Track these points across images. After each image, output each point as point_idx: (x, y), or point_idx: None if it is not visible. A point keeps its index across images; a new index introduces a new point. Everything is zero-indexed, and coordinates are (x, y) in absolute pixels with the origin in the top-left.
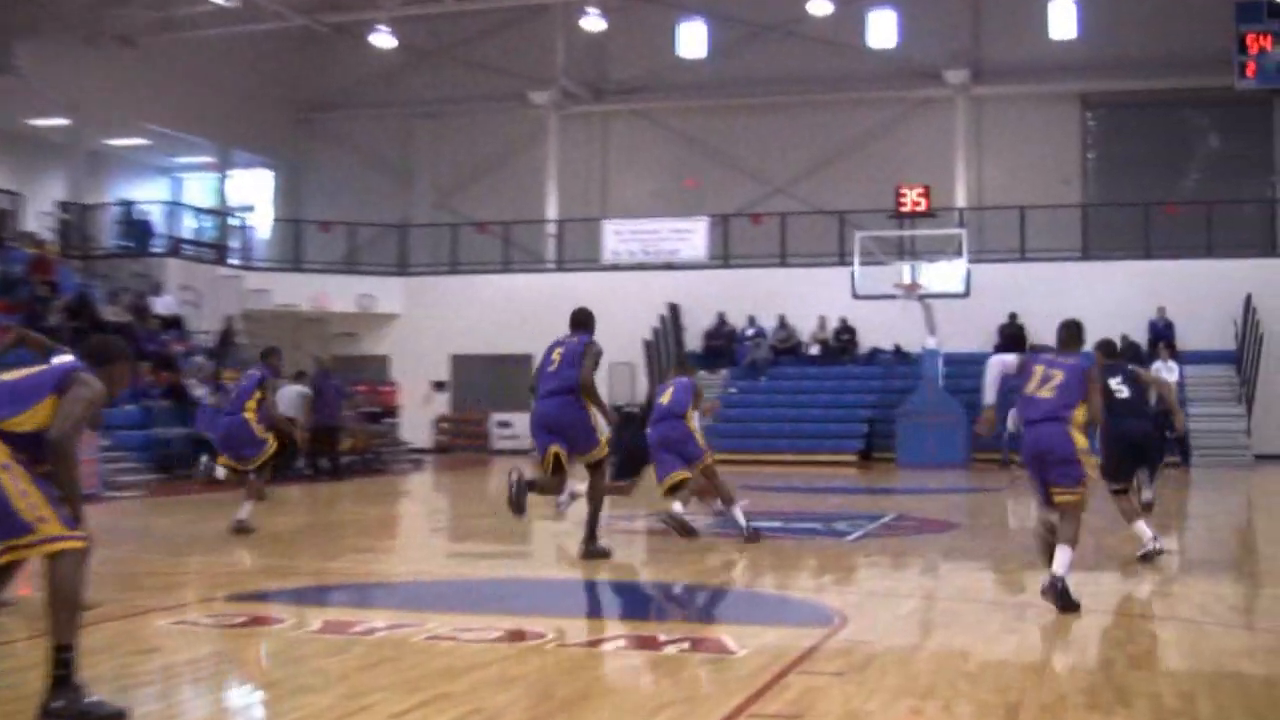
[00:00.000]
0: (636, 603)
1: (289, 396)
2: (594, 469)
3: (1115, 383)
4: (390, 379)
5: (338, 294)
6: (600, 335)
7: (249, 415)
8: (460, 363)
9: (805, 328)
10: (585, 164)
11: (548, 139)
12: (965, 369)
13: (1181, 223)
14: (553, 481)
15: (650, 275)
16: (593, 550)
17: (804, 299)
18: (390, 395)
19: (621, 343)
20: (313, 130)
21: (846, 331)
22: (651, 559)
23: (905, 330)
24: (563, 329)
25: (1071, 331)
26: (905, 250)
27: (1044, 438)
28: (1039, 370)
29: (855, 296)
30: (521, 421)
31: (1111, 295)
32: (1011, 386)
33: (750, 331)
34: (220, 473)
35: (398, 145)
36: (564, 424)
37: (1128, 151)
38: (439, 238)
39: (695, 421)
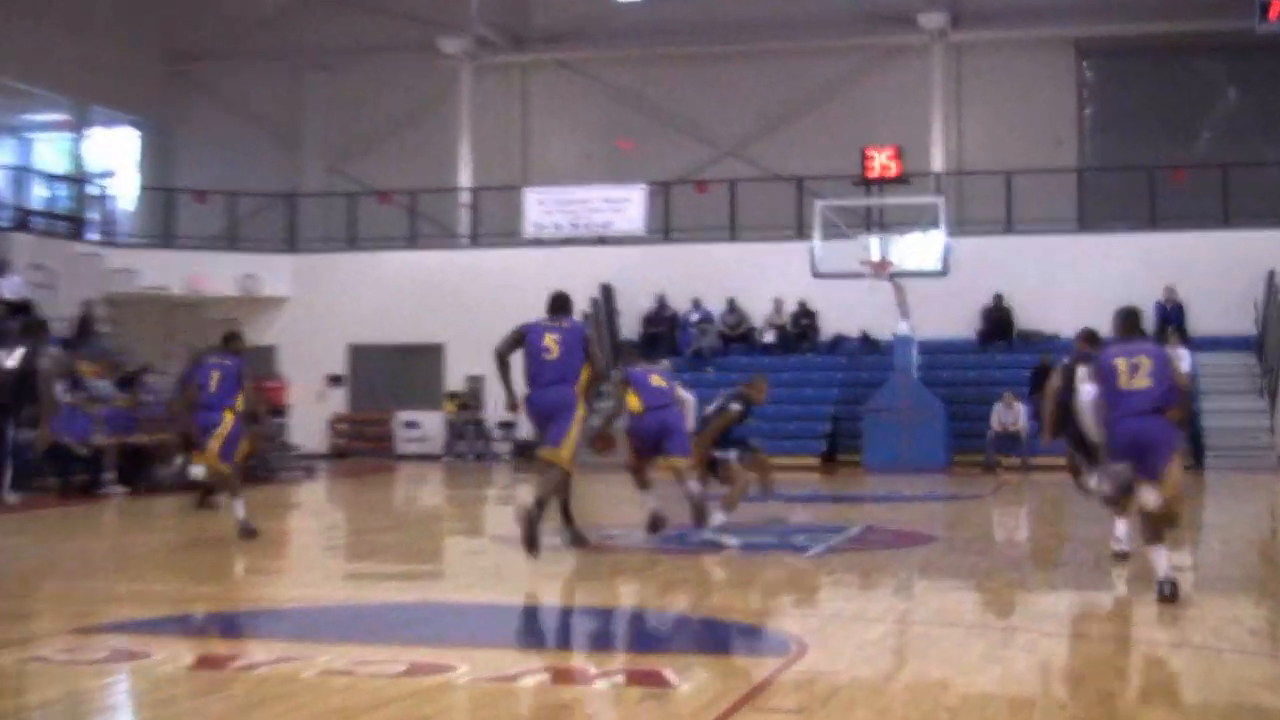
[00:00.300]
0: (563, 629)
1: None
2: (552, 464)
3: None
4: (278, 373)
5: (216, 274)
6: (521, 321)
7: (230, 414)
8: (359, 354)
9: (758, 311)
10: (504, 123)
11: (460, 95)
12: (942, 358)
13: (1192, 189)
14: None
15: (579, 252)
16: (575, 535)
17: (757, 278)
18: (278, 392)
19: None
20: (186, 84)
21: (806, 316)
22: (583, 577)
23: (874, 314)
24: (478, 313)
25: (1131, 319)
26: (873, 222)
27: (1152, 429)
28: (1121, 364)
29: (816, 275)
30: (432, 421)
31: (1112, 273)
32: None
33: (695, 316)
34: (198, 471)
35: (285, 102)
36: (557, 412)
37: (1130, 107)
38: (333, 209)
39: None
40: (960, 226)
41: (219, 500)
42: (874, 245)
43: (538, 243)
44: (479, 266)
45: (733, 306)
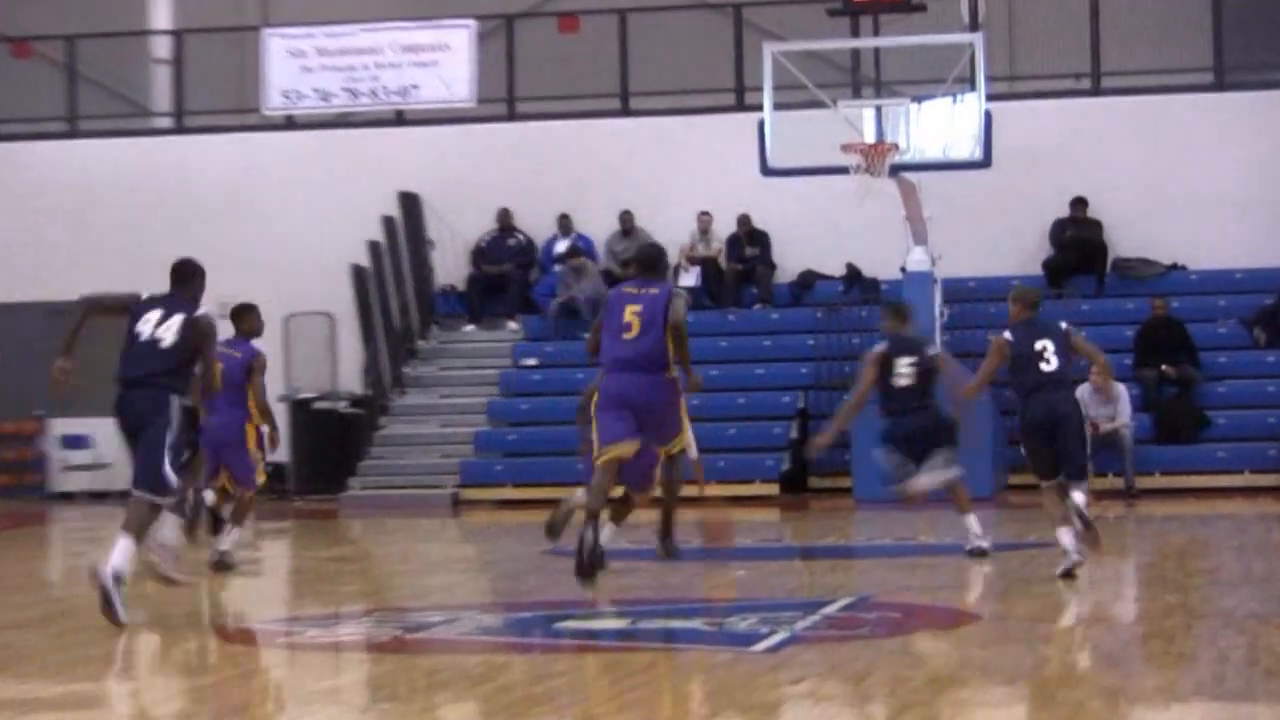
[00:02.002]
0: None
1: None
2: (672, 459)
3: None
4: None
5: None
6: (269, 258)
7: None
8: None
9: (671, 236)
10: None
11: None
12: (987, 311)
13: None
14: (619, 509)
15: (362, 139)
16: (671, 549)
17: (668, 179)
18: None
19: (305, 272)
20: None
21: (753, 242)
22: (380, 696)
23: (867, 237)
24: (191, 245)
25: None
26: (865, 81)
27: None
28: None
29: (769, 172)
30: (108, 432)
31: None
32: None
33: (561, 246)
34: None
35: None
36: (655, 410)
37: None
38: None
39: None
40: (1013, 85)
41: None
42: (866, 119)
43: (289, 125)
44: (190, 167)
45: (628, 228)
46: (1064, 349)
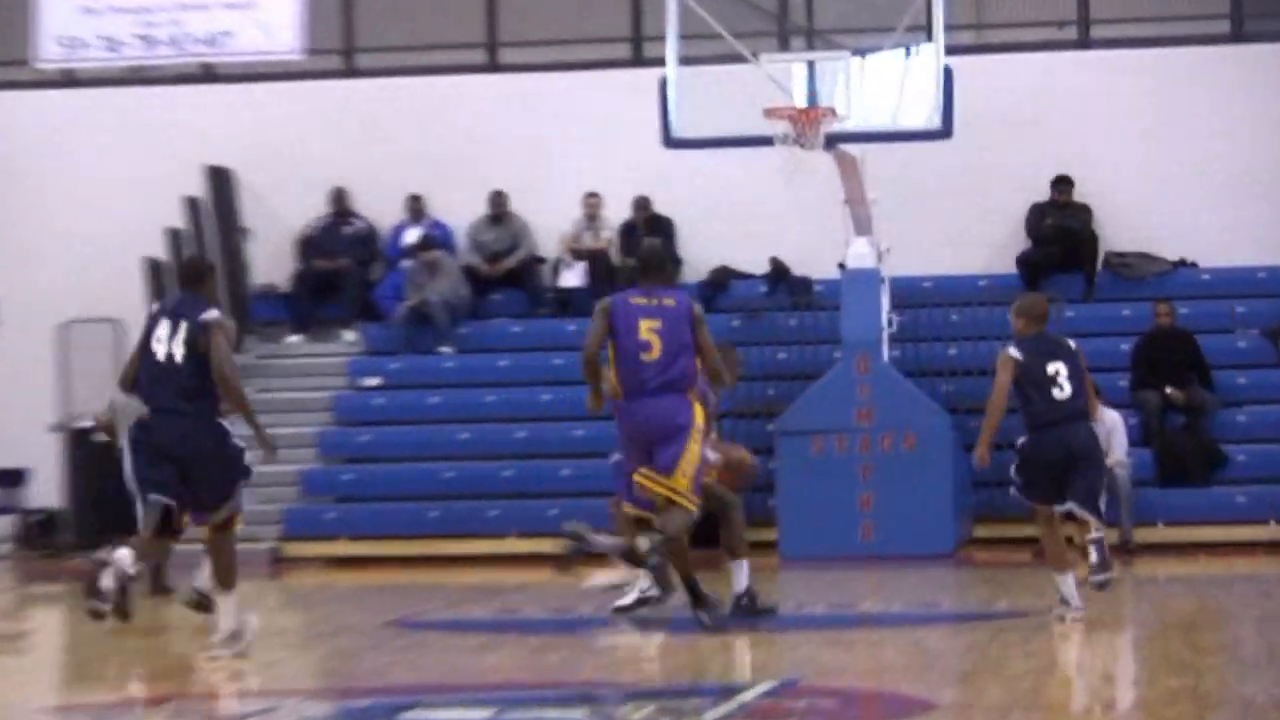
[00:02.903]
0: None
1: None
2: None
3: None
4: None
5: None
6: (41, 249)
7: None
8: None
9: (549, 223)
10: None
11: None
12: (947, 319)
13: None
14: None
15: (160, 100)
16: (712, 613)
17: (546, 154)
18: None
19: (87, 268)
20: None
21: (654, 231)
22: None
23: (798, 226)
24: None
25: None
26: (793, 29)
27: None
28: None
29: (672, 144)
30: None
31: None
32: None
33: (411, 236)
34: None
35: None
36: (670, 432)
37: None
38: None
39: None
40: (981, 35)
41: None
42: (796, 77)
43: (68, 81)
44: None
45: (499, 213)
46: (1078, 372)
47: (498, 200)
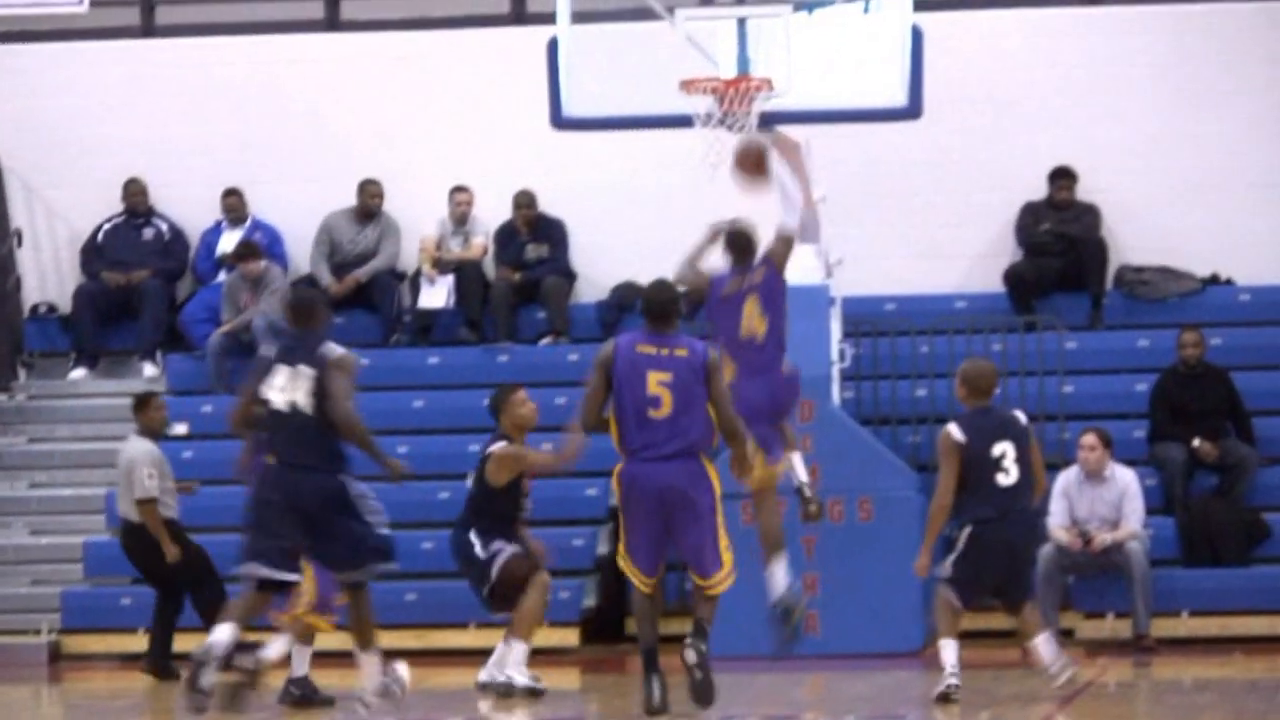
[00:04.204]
0: None
1: None
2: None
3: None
4: None
5: None
6: None
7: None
8: None
9: (408, 226)
10: None
11: None
12: (908, 350)
13: None
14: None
15: None
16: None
17: (402, 136)
18: None
19: None
20: None
21: (539, 236)
22: None
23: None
24: None
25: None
26: None
27: None
28: None
29: (563, 124)
30: None
31: None
32: None
33: (229, 241)
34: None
35: None
36: (699, 510)
37: None
38: None
39: None
40: None
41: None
42: (722, 39)
43: None
44: None
45: (371, 209)
46: (1025, 454)
47: (371, 194)
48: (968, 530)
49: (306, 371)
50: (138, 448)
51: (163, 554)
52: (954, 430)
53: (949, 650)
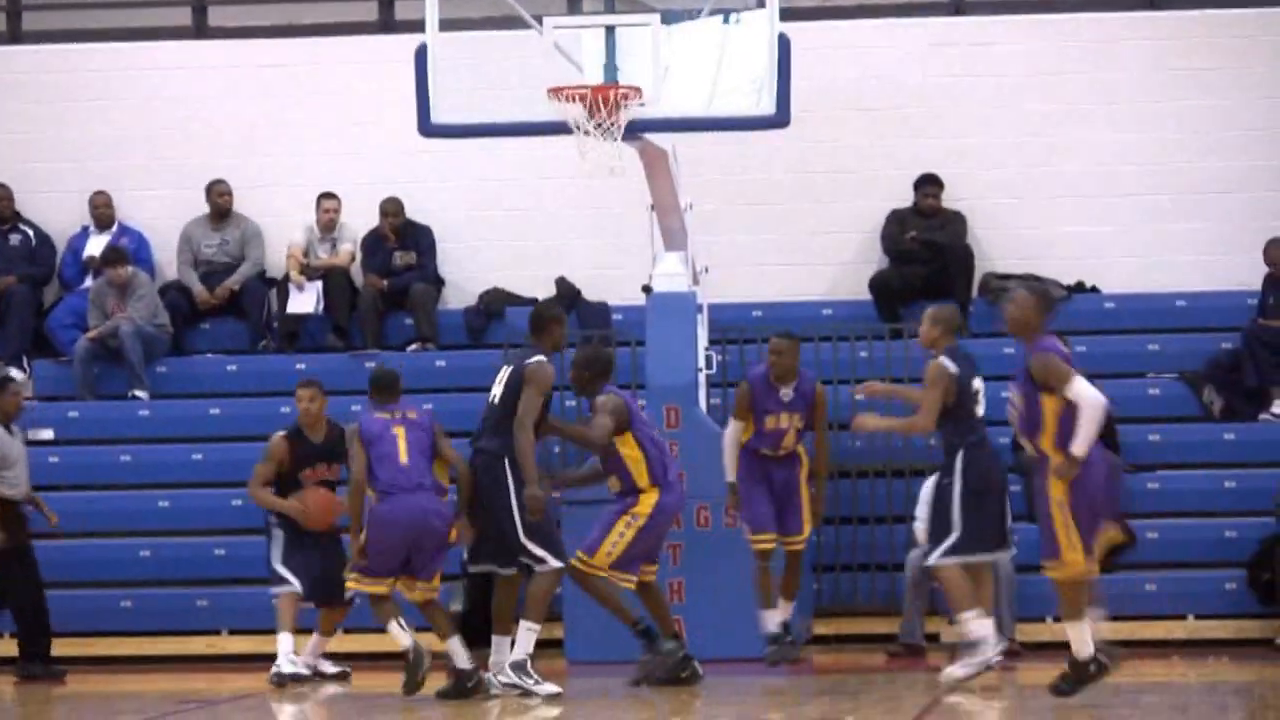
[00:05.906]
0: None
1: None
2: None
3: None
4: None
5: None
6: None
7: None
8: None
9: (275, 232)
10: None
11: None
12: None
13: None
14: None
15: None
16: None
17: (268, 143)
18: None
19: None
20: None
21: (406, 243)
22: None
23: (589, 239)
24: None
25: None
26: None
27: None
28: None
29: (430, 132)
30: None
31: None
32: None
33: (96, 248)
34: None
35: None
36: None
37: None
38: None
39: None
40: None
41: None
42: (589, 47)
43: None
44: None
45: (224, 208)
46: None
47: (220, 194)
48: (961, 454)
49: (507, 371)
50: None
51: None
52: (947, 362)
53: (978, 623)
